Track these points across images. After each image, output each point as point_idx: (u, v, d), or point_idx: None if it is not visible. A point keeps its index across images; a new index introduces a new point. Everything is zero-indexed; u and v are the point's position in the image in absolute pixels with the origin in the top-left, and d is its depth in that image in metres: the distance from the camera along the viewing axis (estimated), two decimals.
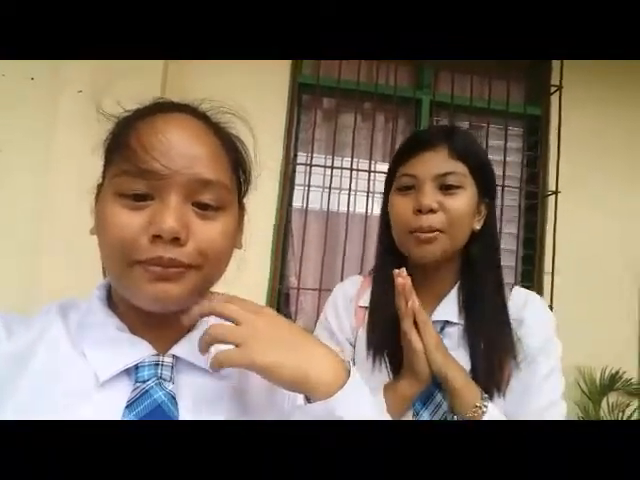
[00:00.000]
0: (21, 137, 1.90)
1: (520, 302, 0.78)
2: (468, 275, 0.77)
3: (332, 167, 2.53)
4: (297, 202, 2.61)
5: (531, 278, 2.71)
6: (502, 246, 2.69)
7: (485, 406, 0.68)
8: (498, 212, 2.65)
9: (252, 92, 2.48)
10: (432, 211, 0.72)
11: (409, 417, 0.72)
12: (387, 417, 0.50)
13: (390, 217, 0.79)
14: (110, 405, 0.46)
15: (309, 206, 2.53)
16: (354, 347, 0.82)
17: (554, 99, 2.69)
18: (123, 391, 0.47)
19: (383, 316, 0.76)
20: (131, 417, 0.45)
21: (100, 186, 0.51)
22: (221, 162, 0.50)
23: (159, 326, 0.50)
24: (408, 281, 0.66)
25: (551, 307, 2.58)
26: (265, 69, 2.42)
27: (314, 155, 2.55)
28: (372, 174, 2.54)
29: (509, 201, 2.71)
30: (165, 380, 0.48)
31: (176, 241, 0.45)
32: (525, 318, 0.77)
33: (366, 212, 2.50)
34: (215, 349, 0.45)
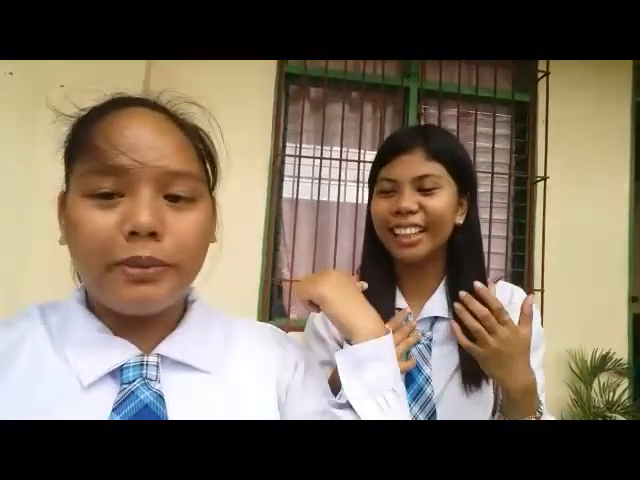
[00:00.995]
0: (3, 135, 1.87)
1: (506, 297, 0.80)
2: (453, 269, 0.80)
3: (321, 158, 2.52)
4: (287, 194, 2.60)
5: (522, 264, 2.74)
6: (492, 233, 2.71)
7: (539, 414, 0.74)
8: (487, 199, 2.67)
9: (239, 83, 2.46)
10: (411, 212, 0.75)
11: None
12: (400, 385, 0.56)
13: (373, 218, 0.83)
14: (96, 409, 0.45)
15: (299, 197, 2.52)
16: (341, 345, 0.82)
17: (542, 85, 2.70)
18: (109, 394, 0.46)
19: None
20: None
21: (64, 193, 0.49)
22: (187, 152, 0.49)
23: (142, 325, 0.50)
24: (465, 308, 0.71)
25: (542, 291, 2.61)
26: (251, 60, 2.39)
27: (303, 146, 2.53)
28: (361, 164, 2.53)
29: (498, 188, 2.72)
30: (151, 380, 0.47)
31: (153, 236, 0.44)
32: (511, 313, 0.76)
33: (356, 201, 2.50)
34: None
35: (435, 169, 0.76)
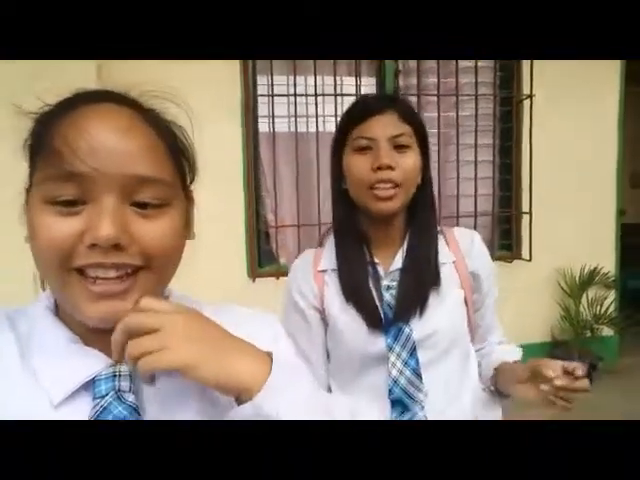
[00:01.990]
0: None
1: (466, 238, 0.92)
2: (415, 223, 0.89)
3: (295, 95, 2.38)
4: (264, 136, 2.47)
5: (509, 187, 2.70)
6: (478, 158, 2.65)
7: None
8: (472, 122, 2.57)
9: None
10: (390, 168, 0.81)
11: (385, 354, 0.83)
12: (329, 411, 0.46)
13: (347, 175, 0.86)
14: None
15: (277, 135, 2.41)
16: (321, 312, 0.90)
17: None
18: (81, 410, 0.43)
19: (350, 269, 0.88)
20: None
21: (28, 191, 0.45)
22: (158, 154, 0.45)
23: (109, 332, 0.45)
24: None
25: (530, 214, 2.60)
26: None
27: (275, 82, 2.37)
28: (338, 97, 2.40)
29: (483, 109, 2.62)
30: (125, 392, 0.44)
31: (116, 247, 0.41)
32: (473, 251, 0.91)
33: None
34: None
35: (406, 129, 0.84)
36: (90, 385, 0.44)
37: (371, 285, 0.86)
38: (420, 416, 0.81)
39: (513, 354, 0.92)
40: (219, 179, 2.25)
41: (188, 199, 0.51)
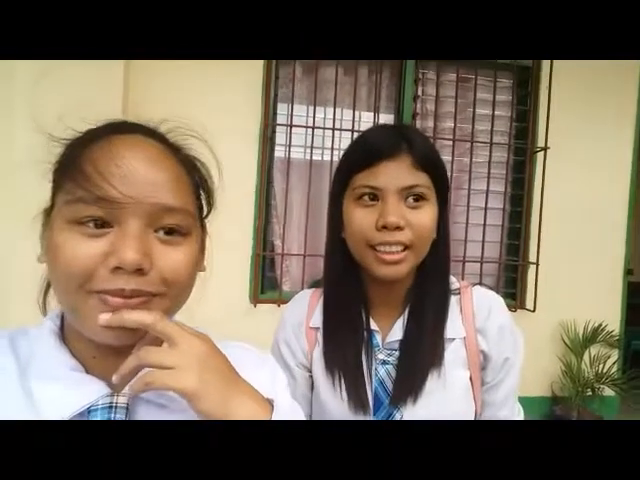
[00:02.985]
0: None
1: (484, 310, 0.75)
2: (420, 289, 0.74)
3: (313, 127, 2.42)
4: (279, 162, 2.51)
5: (518, 236, 2.70)
6: (489, 205, 2.66)
7: None
8: (485, 169, 2.60)
9: None
10: (399, 228, 0.66)
11: None
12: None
13: (346, 228, 0.72)
14: None
15: (291, 165, 2.44)
16: (310, 370, 0.78)
17: None
18: None
19: (340, 336, 0.74)
20: None
21: (48, 211, 0.47)
22: (183, 186, 0.47)
23: (113, 360, 0.46)
24: None
25: (537, 264, 2.58)
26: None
27: (295, 112, 2.43)
28: (355, 133, 2.44)
29: (497, 157, 2.65)
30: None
31: (138, 272, 0.42)
32: (490, 331, 0.74)
33: None
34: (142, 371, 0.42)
35: (422, 179, 0.69)
36: (85, 414, 0.44)
37: (363, 356, 0.73)
38: None
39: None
40: (231, 202, 2.27)
41: (202, 229, 0.53)
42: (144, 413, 0.46)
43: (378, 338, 0.74)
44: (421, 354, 0.71)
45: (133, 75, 2.14)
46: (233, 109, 2.33)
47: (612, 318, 2.78)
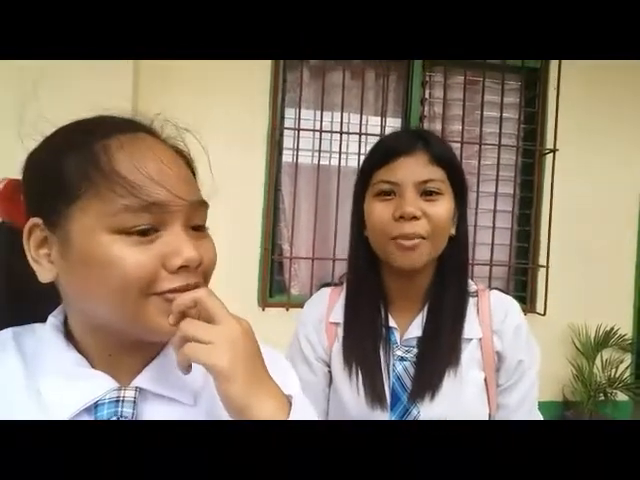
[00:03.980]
0: None
1: (500, 313, 0.77)
2: (439, 286, 0.76)
3: (321, 130, 2.43)
4: (286, 166, 2.52)
5: (527, 238, 2.67)
6: (498, 207, 2.65)
7: None
8: (494, 172, 2.58)
9: None
10: (415, 218, 0.70)
11: None
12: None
13: (367, 223, 0.76)
14: None
15: (299, 168, 2.45)
16: (329, 365, 0.80)
17: None
18: None
19: (359, 331, 0.76)
20: None
21: (47, 225, 0.43)
22: (194, 180, 0.49)
23: (122, 355, 0.47)
24: None
25: (547, 267, 2.56)
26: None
27: (302, 116, 2.44)
28: (363, 136, 2.44)
29: (505, 160, 2.63)
30: (126, 418, 0.45)
31: (198, 266, 0.45)
32: (506, 333, 0.76)
33: (358, 167, 2.42)
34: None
35: (437, 174, 0.73)
36: (92, 408, 0.44)
37: (381, 352, 0.75)
38: None
39: None
40: (239, 206, 2.28)
41: None
42: (152, 407, 0.47)
43: (396, 335, 0.77)
44: (440, 352, 0.73)
45: (142, 81, 2.16)
46: (241, 113, 2.34)
47: (624, 321, 2.74)
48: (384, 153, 0.75)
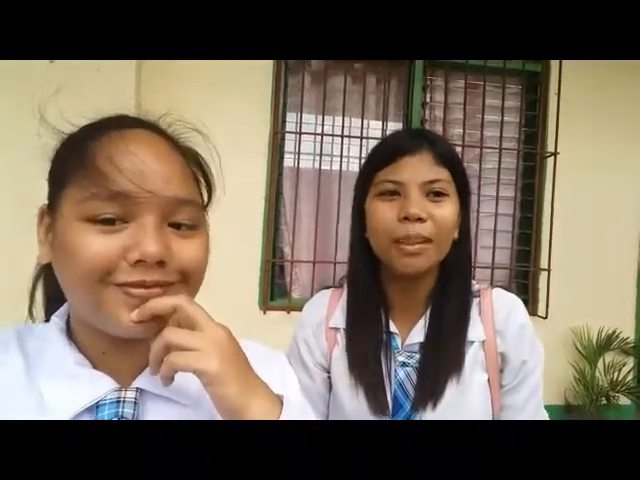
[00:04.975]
0: None
1: (503, 311, 0.75)
2: (441, 290, 0.74)
3: (322, 134, 2.44)
4: (288, 170, 2.53)
5: (529, 242, 2.67)
6: (499, 211, 2.64)
7: None
8: (495, 175, 2.59)
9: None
10: (420, 220, 0.67)
11: None
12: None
13: (369, 224, 0.73)
14: None
15: (300, 172, 2.45)
16: (328, 371, 0.79)
17: None
18: None
19: (360, 337, 0.74)
20: None
21: (47, 210, 0.47)
22: (189, 179, 0.48)
23: (123, 355, 0.47)
24: None
25: (549, 270, 2.56)
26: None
27: (303, 120, 2.45)
28: (364, 140, 2.45)
29: (506, 164, 2.64)
30: (127, 419, 0.45)
31: (159, 263, 0.43)
32: (509, 333, 0.74)
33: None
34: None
35: (443, 174, 0.70)
36: (93, 409, 0.44)
37: (383, 358, 0.73)
38: None
39: None
40: (241, 210, 2.29)
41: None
42: (153, 407, 0.47)
43: (397, 340, 0.75)
44: (443, 357, 0.71)
45: (144, 84, 2.17)
46: (243, 117, 2.35)
47: (626, 324, 2.73)
48: (387, 152, 0.72)
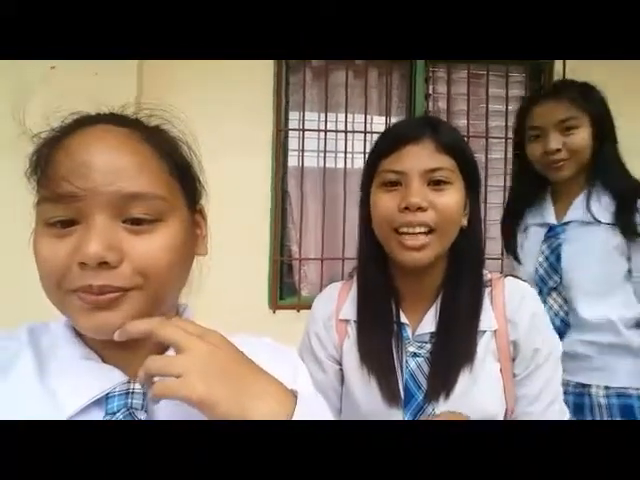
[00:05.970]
0: None
1: (515, 300, 0.74)
2: (452, 279, 0.73)
3: (325, 130, 2.43)
4: (292, 168, 2.52)
5: None
6: (500, 202, 2.61)
7: None
8: (502, 165, 2.56)
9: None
10: (421, 209, 0.67)
11: None
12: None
13: (372, 214, 0.73)
14: None
15: (305, 170, 2.45)
16: (340, 363, 0.79)
17: None
18: None
19: (371, 328, 0.74)
20: None
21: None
22: (151, 170, 0.45)
23: (130, 348, 0.46)
24: None
25: None
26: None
27: (306, 117, 2.44)
28: (368, 135, 2.43)
29: (511, 154, 2.61)
30: (137, 409, 0.45)
31: (105, 265, 0.41)
32: (521, 321, 0.73)
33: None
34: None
35: (446, 162, 0.69)
36: (103, 401, 0.45)
37: (394, 349, 0.73)
38: None
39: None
40: (247, 209, 2.29)
41: (198, 213, 0.52)
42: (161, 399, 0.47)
43: (408, 330, 0.75)
44: (454, 347, 0.70)
45: (146, 84, 2.18)
46: (245, 116, 2.35)
47: None
48: (390, 141, 0.72)
